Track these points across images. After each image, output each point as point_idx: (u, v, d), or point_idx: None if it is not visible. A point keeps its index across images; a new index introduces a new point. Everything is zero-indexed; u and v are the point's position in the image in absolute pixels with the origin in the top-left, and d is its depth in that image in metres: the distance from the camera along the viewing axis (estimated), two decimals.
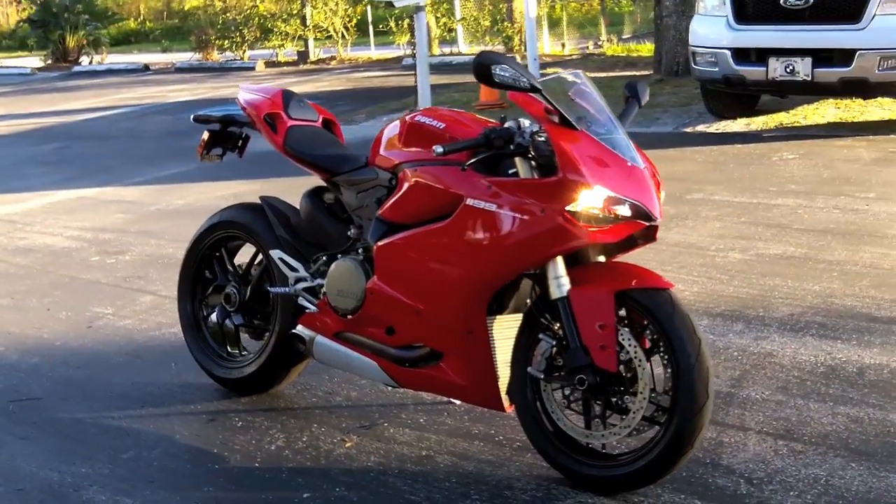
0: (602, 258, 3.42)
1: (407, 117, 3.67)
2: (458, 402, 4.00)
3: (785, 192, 7.07)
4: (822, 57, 8.38)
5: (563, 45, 20.98)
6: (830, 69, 8.35)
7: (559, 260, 3.30)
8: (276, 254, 3.98)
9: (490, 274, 3.37)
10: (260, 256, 4.16)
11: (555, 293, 3.30)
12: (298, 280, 3.94)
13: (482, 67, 3.21)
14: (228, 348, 4.30)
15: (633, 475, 3.28)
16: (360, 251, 3.76)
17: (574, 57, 17.64)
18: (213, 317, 4.34)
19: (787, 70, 8.48)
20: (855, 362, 4.19)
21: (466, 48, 21.04)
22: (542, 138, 3.32)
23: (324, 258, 3.88)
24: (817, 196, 6.91)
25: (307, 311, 3.91)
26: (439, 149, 3.32)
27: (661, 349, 3.23)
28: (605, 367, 3.22)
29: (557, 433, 3.42)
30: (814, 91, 8.89)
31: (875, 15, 8.19)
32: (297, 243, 4.01)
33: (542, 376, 3.37)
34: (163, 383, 4.46)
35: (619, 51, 18.96)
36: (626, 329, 3.26)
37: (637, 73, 14.38)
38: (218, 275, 4.33)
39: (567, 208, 3.21)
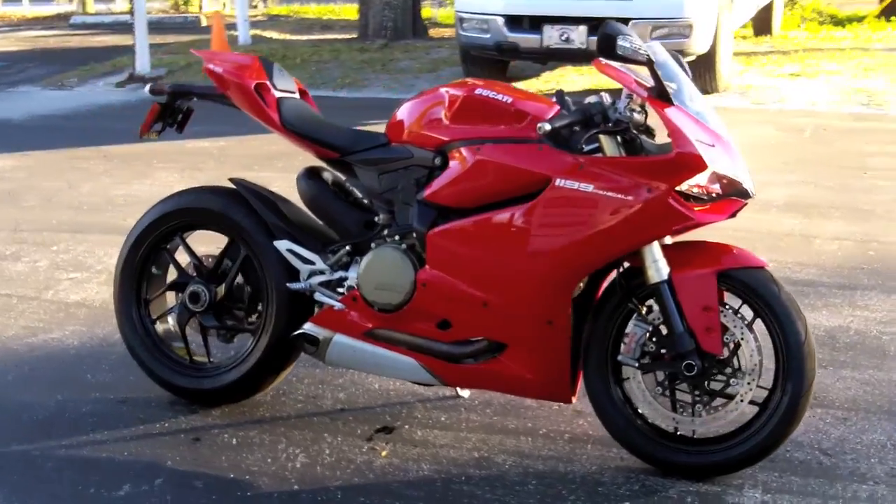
0: (669, 240, 3.28)
1: (458, 90, 3.33)
2: (464, 395, 3.74)
3: None
4: (596, 25, 8.56)
5: (224, 5, 20.42)
6: None
7: (656, 242, 3.13)
8: (283, 244, 3.49)
9: (582, 260, 3.14)
10: (240, 250, 3.63)
11: (654, 277, 3.13)
12: (313, 274, 3.48)
13: (608, 38, 2.97)
14: (191, 356, 3.75)
15: (736, 458, 3.19)
16: (396, 238, 3.37)
17: (260, 18, 17.08)
18: (171, 320, 3.77)
19: (563, 38, 8.63)
20: (818, 327, 4.31)
21: (124, 5, 19.96)
22: (637, 113, 3.13)
23: (347, 248, 3.46)
24: None
25: (323, 307, 3.47)
26: (547, 126, 3.04)
27: (768, 328, 3.15)
28: (711, 350, 3.11)
29: (643, 421, 3.26)
30: (588, 59, 9.05)
31: None
32: (295, 232, 3.55)
33: (637, 364, 3.19)
34: (95, 400, 3.81)
35: (284, 11, 18.66)
36: (729, 310, 3.15)
37: (338, 37, 14.21)
38: (174, 271, 3.75)
39: (677, 188, 3.04)
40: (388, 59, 11.45)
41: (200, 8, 19.27)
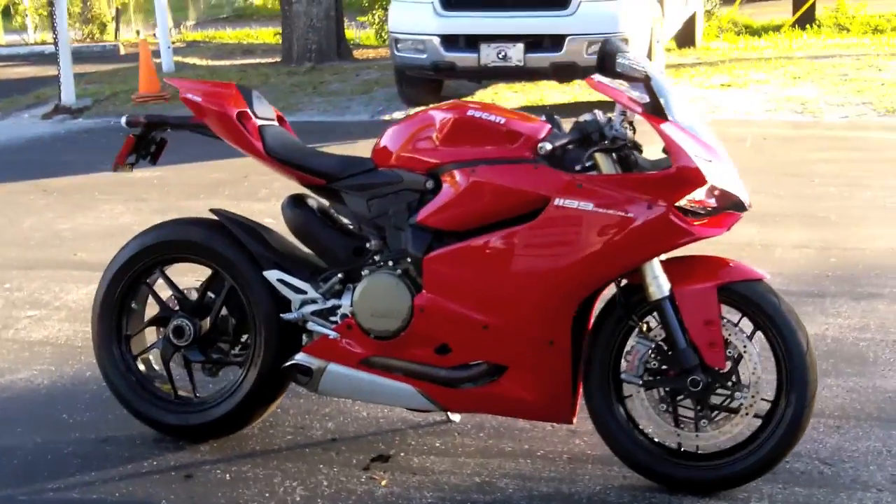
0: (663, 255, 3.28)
1: (449, 112, 3.30)
2: (455, 419, 3.70)
3: None
4: (533, 43, 8.64)
5: (137, 32, 20.23)
6: (542, 54, 8.64)
7: (656, 259, 3.13)
8: (273, 275, 3.42)
9: (584, 278, 3.13)
10: (224, 282, 3.55)
11: (656, 293, 3.13)
12: (304, 303, 3.42)
13: (608, 55, 2.97)
14: (176, 391, 3.65)
15: (742, 472, 3.19)
16: (389, 264, 3.32)
17: (179, 45, 16.86)
18: (153, 356, 3.68)
19: (500, 56, 8.66)
20: None
21: (36, 36, 19.66)
22: (629, 130, 3.15)
23: (338, 276, 3.40)
24: None
25: (315, 336, 3.40)
26: (548, 145, 3.04)
27: (769, 340, 3.16)
28: (715, 364, 3.11)
29: (646, 439, 3.26)
30: (526, 76, 9.16)
31: (581, 2, 8.59)
32: (284, 261, 3.48)
33: (641, 382, 3.18)
34: (76, 441, 3.69)
35: (200, 37, 18.51)
36: (730, 323, 3.16)
37: (261, 61, 14.09)
38: (154, 305, 3.66)
39: (677, 203, 3.05)
40: (318, 82, 11.38)
41: (116, 36, 19.00)
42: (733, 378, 3.15)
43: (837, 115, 8.65)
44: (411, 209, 3.29)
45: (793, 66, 10.98)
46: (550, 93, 10.11)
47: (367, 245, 3.37)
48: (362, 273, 3.36)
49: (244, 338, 3.60)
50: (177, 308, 3.61)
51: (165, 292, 3.67)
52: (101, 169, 7.95)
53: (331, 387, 3.41)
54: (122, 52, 16.32)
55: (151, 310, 3.72)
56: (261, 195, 6.96)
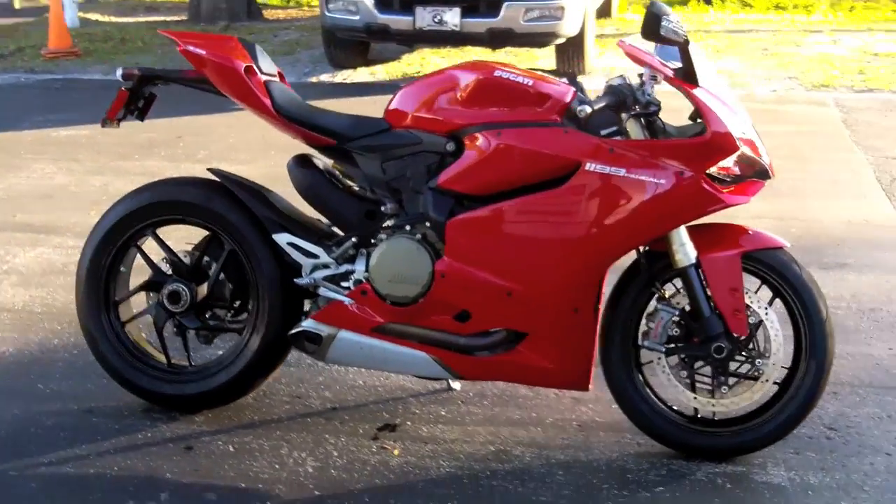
0: None
1: (474, 73, 3.20)
2: (456, 387, 3.64)
3: None
4: (469, 7, 8.53)
5: None
6: (478, 19, 8.52)
7: (683, 226, 3.10)
8: (283, 238, 3.29)
9: (613, 245, 3.08)
10: (223, 246, 3.40)
11: (682, 261, 3.10)
12: (316, 268, 3.29)
13: (655, 18, 2.91)
14: (170, 360, 3.50)
15: (759, 438, 3.21)
16: (406, 228, 3.22)
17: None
18: (143, 321, 3.52)
19: (436, 20, 8.52)
20: None
21: None
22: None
23: (352, 240, 3.28)
24: None
25: (328, 302, 3.29)
26: (587, 108, 2.97)
27: (789, 308, 3.17)
28: (738, 331, 3.11)
29: (665, 406, 3.25)
30: (462, 41, 9.03)
31: None
32: (291, 225, 3.35)
33: (664, 349, 3.16)
34: (58, 412, 3.52)
35: None
36: (750, 291, 3.16)
37: (165, 19, 13.67)
38: (149, 270, 3.49)
39: (708, 170, 3.03)
40: None
41: None
42: (754, 345, 3.15)
43: (767, 89, 8.76)
44: (430, 172, 3.19)
45: (712, 39, 11.10)
46: (479, 57, 10.03)
47: (382, 208, 3.26)
48: (378, 237, 3.25)
49: (240, 304, 3.46)
50: (170, 272, 3.45)
51: (154, 256, 3.50)
52: (21, 127, 7.65)
53: (340, 355, 3.30)
54: (18, 5, 15.64)
55: (137, 275, 3.55)
56: (200, 156, 6.75)
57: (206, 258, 3.44)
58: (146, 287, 3.49)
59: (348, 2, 8.74)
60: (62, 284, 4.59)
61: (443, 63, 9.85)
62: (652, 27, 2.92)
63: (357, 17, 8.75)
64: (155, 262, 3.49)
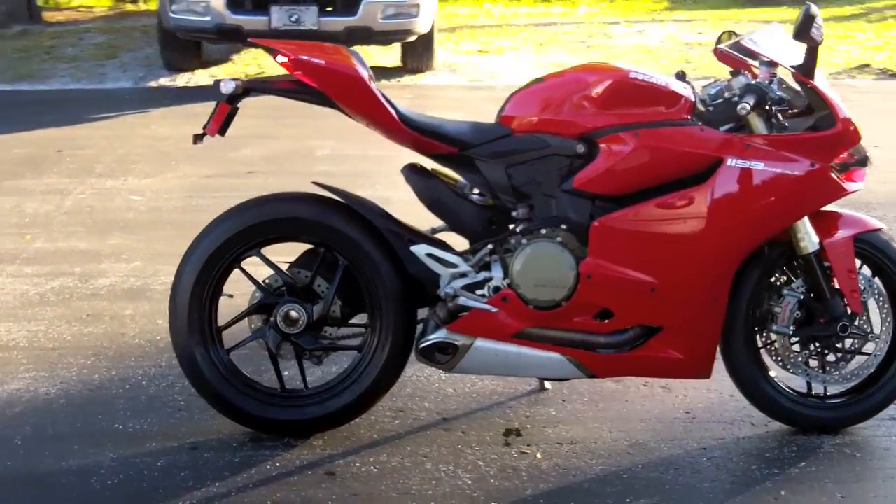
0: None
1: (604, 74, 3.24)
2: (548, 387, 3.68)
3: None
4: (327, 5, 8.44)
5: None
6: (337, 18, 8.45)
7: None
8: (422, 249, 3.21)
9: (752, 236, 3.22)
10: (338, 262, 3.29)
11: (808, 247, 3.28)
12: (454, 277, 3.24)
13: (812, 18, 3.05)
14: (283, 384, 3.35)
15: (873, 408, 3.44)
16: (542, 232, 3.23)
17: None
18: (260, 344, 3.36)
19: (292, 19, 8.37)
20: None
21: None
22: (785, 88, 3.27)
23: (488, 247, 3.26)
24: None
25: (467, 312, 3.24)
26: (748, 106, 3.09)
27: (888, 286, 3.40)
28: (856, 310, 3.32)
29: (775, 386, 3.41)
30: (318, 40, 8.85)
31: None
32: (416, 236, 3.29)
33: (791, 332, 3.33)
34: (158, 452, 3.29)
35: None
36: (862, 272, 3.38)
37: None
38: (256, 292, 3.32)
39: (833, 161, 3.22)
40: (46, 47, 10.42)
41: None
42: (868, 323, 3.37)
43: None
44: (562, 175, 3.22)
45: (526, 33, 11.46)
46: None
47: (514, 213, 3.26)
48: (510, 243, 3.25)
49: (359, 320, 3.37)
50: (283, 293, 3.30)
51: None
52: None
53: (472, 363, 3.27)
54: None
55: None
56: (98, 170, 6.39)
57: (314, 276, 3.31)
58: (258, 310, 3.31)
59: (195, 2, 8.42)
60: (59, 316, 4.26)
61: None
62: (807, 26, 3.06)
63: (207, 18, 8.47)
64: (260, 282, 3.32)
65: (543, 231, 3.22)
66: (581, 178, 3.18)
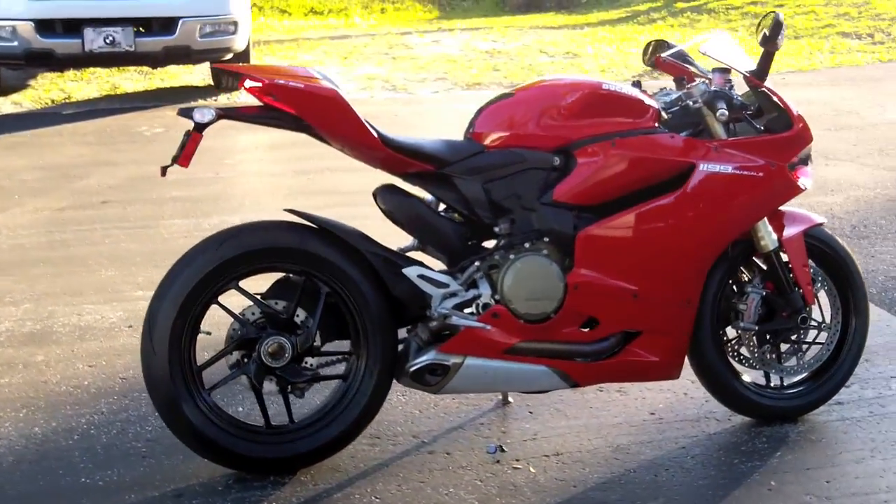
0: None
1: (574, 87, 3.28)
2: (510, 401, 3.70)
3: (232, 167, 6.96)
4: (143, 26, 8.13)
5: None
6: (154, 38, 8.17)
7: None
8: (413, 271, 3.15)
9: (723, 237, 3.35)
10: (319, 290, 3.19)
11: (769, 245, 3.44)
12: (445, 297, 3.20)
13: (780, 27, 3.19)
14: (269, 420, 3.22)
15: (826, 395, 3.64)
16: (525, 246, 3.24)
17: None
18: (242, 381, 3.21)
19: (108, 41, 8.02)
20: None
21: None
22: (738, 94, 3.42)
23: (475, 264, 3.23)
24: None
25: (454, 331, 3.21)
26: (727, 112, 3.21)
27: (833, 277, 3.61)
28: (811, 302, 3.52)
29: (741, 382, 3.55)
30: (137, 61, 8.51)
31: None
32: (398, 257, 3.24)
33: (756, 328, 3.48)
34: (144, 502, 3.11)
35: None
36: (812, 265, 3.57)
37: None
38: (234, 326, 3.18)
39: (789, 162, 3.40)
40: None
41: None
42: (818, 314, 3.57)
43: (428, 91, 9.24)
44: (539, 188, 3.24)
45: (325, 46, 11.40)
46: (122, 81, 9.54)
47: (496, 229, 3.26)
48: (497, 258, 3.24)
49: (329, 348, 3.27)
50: (264, 326, 3.17)
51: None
52: None
53: (460, 383, 3.24)
54: None
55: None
56: None
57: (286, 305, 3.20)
58: (240, 346, 3.16)
59: (6, 28, 7.91)
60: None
61: (88, 88, 9.29)
62: (776, 34, 3.21)
63: (14, 44, 8.01)
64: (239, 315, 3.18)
65: (527, 245, 3.23)
66: (561, 190, 3.21)
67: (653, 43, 3.69)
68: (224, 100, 8.99)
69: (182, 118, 3.08)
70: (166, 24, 8.17)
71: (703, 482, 3.23)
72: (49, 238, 5.39)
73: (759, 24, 3.31)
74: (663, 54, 3.51)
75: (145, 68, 9.58)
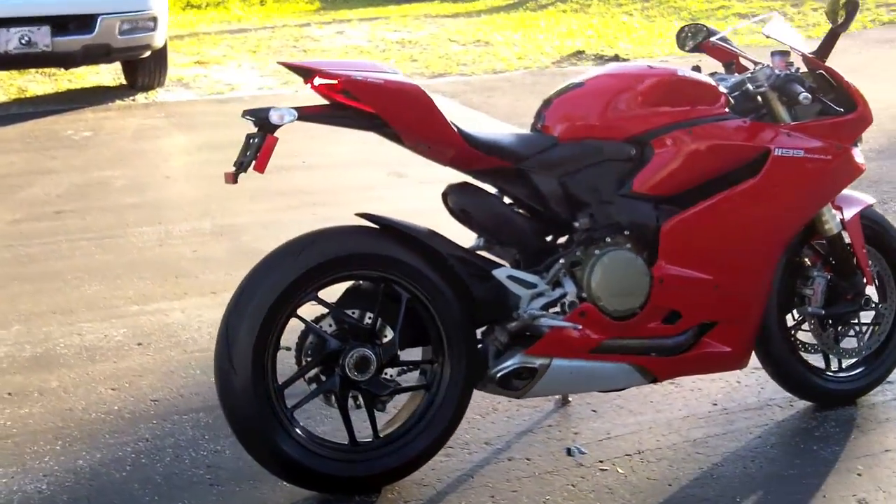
0: None
1: (651, 74, 3.19)
2: (570, 399, 3.61)
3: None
4: (60, 25, 7.71)
5: None
6: (72, 37, 7.76)
7: None
8: (503, 272, 3.01)
9: (798, 221, 3.32)
10: (401, 296, 3.03)
11: (833, 229, 3.42)
12: (533, 297, 3.07)
13: (857, 6, 3.15)
14: (354, 437, 3.04)
15: (883, 375, 3.64)
16: (606, 240, 3.14)
17: None
18: (324, 397, 3.03)
19: (24, 41, 7.59)
20: None
21: None
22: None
23: (560, 262, 3.11)
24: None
25: (538, 332, 3.09)
26: (809, 97, 3.15)
27: (885, 255, 3.62)
28: (870, 283, 3.52)
29: (807, 366, 3.53)
30: (55, 62, 8.05)
31: None
32: (477, 258, 3.10)
33: (824, 312, 3.46)
34: None
35: None
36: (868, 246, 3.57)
37: None
38: (317, 342, 2.99)
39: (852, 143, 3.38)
40: None
41: None
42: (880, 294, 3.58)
43: None
44: (618, 180, 3.14)
45: (228, 41, 11.07)
46: (28, 84, 9.06)
47: (576, 224, 3.14)
48: (578, 254, 3.13)
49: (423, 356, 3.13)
50: (347, 337, 2.99)
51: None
52: None
53: (546, 385, 3.13)
54: None
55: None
56: None
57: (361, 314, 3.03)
58: (324, 361, 2.97)
59: None
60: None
61: (43, 86, 8.83)
62: (850, 17, 3.17)
63: None
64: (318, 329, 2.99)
65: (608, 239, 3.13)
66: (640, 181, 3.12)
67: (687, 28, 3.62)
68: (142, 99, 8.61)
69: (247, 119, 2.87)
70: (85, 23, 7.77)
71: (791, 472, 3.18)
72: (13, 253, 5.04)
73: (830, 4, 3.27)
74: (712, 39, 3.45)
75: (50, 69, 9.11)
